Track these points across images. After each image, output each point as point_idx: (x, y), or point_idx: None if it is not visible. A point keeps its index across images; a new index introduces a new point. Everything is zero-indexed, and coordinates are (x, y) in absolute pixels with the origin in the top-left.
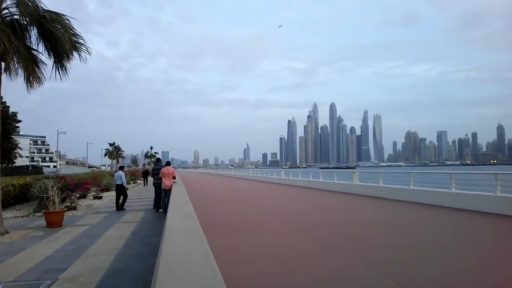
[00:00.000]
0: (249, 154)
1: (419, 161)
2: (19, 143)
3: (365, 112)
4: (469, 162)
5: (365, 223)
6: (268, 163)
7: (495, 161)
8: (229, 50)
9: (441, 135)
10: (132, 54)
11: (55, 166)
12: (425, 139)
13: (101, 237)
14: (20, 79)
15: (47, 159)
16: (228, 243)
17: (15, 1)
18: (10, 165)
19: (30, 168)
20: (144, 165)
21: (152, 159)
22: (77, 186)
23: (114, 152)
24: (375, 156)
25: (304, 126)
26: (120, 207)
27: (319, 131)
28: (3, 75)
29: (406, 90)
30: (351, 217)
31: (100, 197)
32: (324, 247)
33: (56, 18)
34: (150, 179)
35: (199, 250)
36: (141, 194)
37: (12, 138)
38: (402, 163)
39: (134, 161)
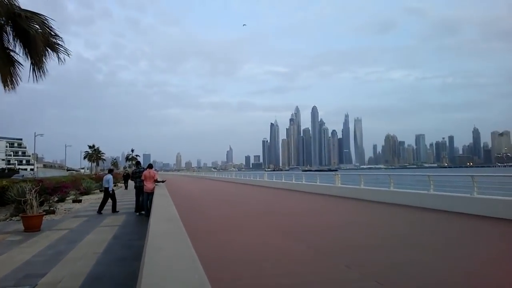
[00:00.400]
0: (232, 157)
1: (398, 163)
2: None
3: (346, 116)
4: (446, 164)
5: (347, 225)
6: (251, 166)
7: (471, 164)
8: (211, 53)
9: (419, 138)
10: (112, 55)
11: (32, 169)
12: (404, 142)
13: (81, 241)
14: None
15: (24, 162)
16: (212, 246)
17: None
18: None
19: (6, 171)
20: (125, 168)
21: (133, 162)
22: (55, 190)
23: (94, 154)
24: (356, 159)
25: (286, 129)
26: (112, 210)
27: (302, 134)
28: None
29: (386, 94)
30: (334, 219)
31: (80, 201)
32: (307, 248)
33: (31, 16)
34: (131, 182)
35: (183, 253)
36: (122, 197)
37: None
38: (382, 166)
39: (115, 164)
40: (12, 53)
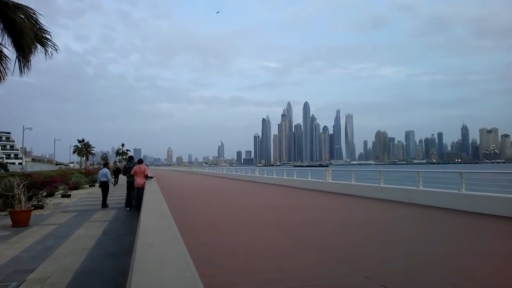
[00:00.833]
0: (224, 152)
1: (388, 159)
2: None
3: (338, 112)
4: (435, 160)
5: (337, 221)
6: (242, 161)
7: (459, 160)
8: (203, 48)
9: (409, 134)
10: (102, 48)
11: (20, 163)
12: (394, 138)
13: (71, 236)
14: None
15: (12, 156)
16: (203, 241)
17: None
18: None
19: None
20: (115, 162)
21: (124, 157)
22: (44, 184)
23: (84, 149)
24: (347, 155)
25: (278, 124)
26: (102, 205)
27: (293, 130)
28: None
29: (376, 91)
30: (325, 215)
31: (69, 196)
32: (298, 244)
33: (18, 5)
34: (122, 177)
35: (175, 249)
36: (113, 192)
37: None
38: (372, 162)
39: (105, 158)
40: None
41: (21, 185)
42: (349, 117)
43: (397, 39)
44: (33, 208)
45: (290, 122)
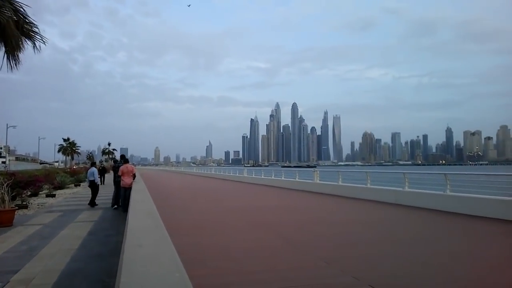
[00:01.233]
0: (212, 152)
1: (375, 160)
2: None
3: (325, 113)
4: (420, 162)
5: (325, 221)
6: (230, 161)
7: (443, 162)
8: (191, 47)
9: (395, 136)
10: (89, 46)
11: (4, 162)
12: (380, 140)
13: (56, 237)
14: None
15: None
16: (192, 242)
17: None
18: None
19: None
20: (101, 161)
21: (110, 156)
22: (28, 184)
23: (69, 148)
24: (334, 156)
25: (266, 125)
26: (90, 203)
27: (281, 130)
28: None
29: (364, 92)
30: (313, 215)
31: (54, 195)
32: (287, 245)
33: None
34: (109, 176)
35: (163, 250)
36: (99, 192)
37: None
38: (359, 163)
39: (90, 157)
40: None
41: (5, 185)
42: (336, 119)
43: (385, 42)
44: (17, 208)
45: (279, 122)
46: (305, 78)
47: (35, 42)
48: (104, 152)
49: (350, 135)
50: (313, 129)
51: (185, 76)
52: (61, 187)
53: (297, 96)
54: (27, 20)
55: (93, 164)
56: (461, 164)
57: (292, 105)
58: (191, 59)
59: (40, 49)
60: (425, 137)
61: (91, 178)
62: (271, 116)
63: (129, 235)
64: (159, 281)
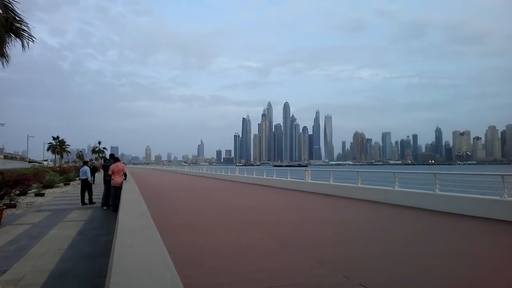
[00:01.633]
0: (203, 151)
1: (365, 160)
2: None
3: (317, 113)
4: (410, 162)
5: (317, 220)
6: (222, 160)
7: (433, 161)
8: (183, 46)
9: (385, 136)
10: (79, 44)
11: None
12: (371, 139)
13: (45, 236)
14: None
15: None
16: (183, 242)
17: None
18: None
19: None
20: (91, 160)
21: (101, 155)
22: (17, 182)
23: (58, 146)
24: (326, 155)
25: (258, 124)
26: (89, 202)
27: (273, 130)
28: None
29: (355, 93)
30: (304, 215)
31: (43, 194)
32: (278, 244)
33: None
34: (99, 175)
35: (154, 250)
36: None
37: None
38: (350, 162)
39: (80, 156)
40: None
41: None
42: (328, 118)
43: (376, 43)
44: (5, 207)
45: (270, 122)
46: (296, 78)
47: (24, 40)
48: (94, 151)
49: (341, 135)
50: (304, 128)
51: (177, 75)
52: (50, 186)
53: (289, 95)
54: (16, 17)
55: (85, 163)
56: (450, 164)
57: (284, 104)
58: (182, 58)
59: (28, 47)
60: (415, 137)
61: (83, 177)
62: (263, 115)
63: (120, 235)
64: (150, 282)
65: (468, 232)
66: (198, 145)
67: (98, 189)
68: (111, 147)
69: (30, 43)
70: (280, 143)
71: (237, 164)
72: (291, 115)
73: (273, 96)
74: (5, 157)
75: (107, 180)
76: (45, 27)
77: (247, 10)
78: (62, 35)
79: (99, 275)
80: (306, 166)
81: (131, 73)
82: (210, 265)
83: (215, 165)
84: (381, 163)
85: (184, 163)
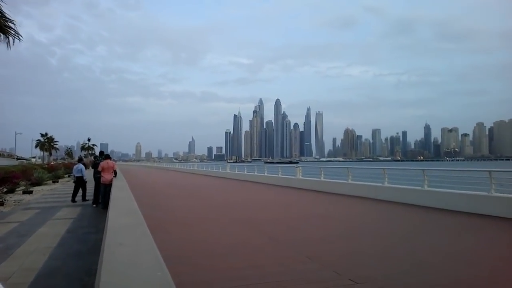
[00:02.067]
0: (194, 148)
1: (355, 156)
2: None
3: (308, 109)
4: (399, 158)
5: (307, 216)
6: (213, 157)
7: (421, 158)
8: (173, 41)
9: (375, 133)
10: (67, 39)
11: None
12: (361, 136)
13: (33, 235)
14: None
15: None
16: (174, 239)
17: None
18: None
19: None
20: (80, 157)
21: (90, 152)
22: (4, 180)
23: (46, 143)
24: (317, 152)
25: (249, 121)
26: (82, 199)
27: (264, 127)
28: None
29: (346, 90)
30: (295, 211)
31: (31, 192)
32: (269, 240)
33: None
34: (89, 172)
35: (145, 248)
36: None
37: None
38: (340, 158)
39: (69, 153)
40: None
41: None
42: (319, 115)
43: (365, 40)
44: None
45: (262, 118)
46: (287, 74)
47: (9, 38)
48: (83, 148)
49: (332, 132)
50: (296, 125)
51: (167, 71)
52: (38, 183)
53: (280, 92)
54: (2, 15)
55: (80, 160)
56: (439, 160)
57: (275, 101)
58: (173, 54)
59: (13, 44)
60: (404, 133)
61: (78, 175)
62: (254, 112)
63: (110, 233)
64: (141, 280)
65: (456, 227)
66: (189, 142)
67: (88, 187)
68: (101, 144)
69: (16, 40)
70: (271, 140)
71: (228, 161)
72: (282, 112)
73: (264, 93)
74: None
75: (96, 177)
76: (33, 22)
77: (238, 6)
78: (50, 30)
79: (88, 274)
80: (297, 162)
81: (121, 69)
82: (202, 262)
83: (206, 162)
84: (371, 159)
85: (175, 160)
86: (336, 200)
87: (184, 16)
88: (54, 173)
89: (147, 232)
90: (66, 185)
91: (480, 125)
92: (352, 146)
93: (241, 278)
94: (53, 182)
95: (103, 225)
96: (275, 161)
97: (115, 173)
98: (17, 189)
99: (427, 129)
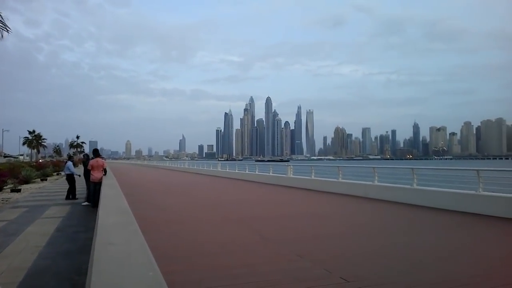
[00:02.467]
0: (185, 146)
1: (346, 155)
2: None
3: (299, 108)
4: (388, 156)
5: (298, 215)
6: (204, 155)
7: (410, 156)
8: (163, 38)
9: (365, 131)
10: (55, 35)
11: None
12: (351, 134)
13: (22, 233)
14: None
15: None
16: (165, 238)
17: None
18: None
19: None
20: (68, 155)
21: (79, 149)
22: None
23: (34, 140)
24: (307, 150)
25: (240, 119)
26: (70, 197)
27: (255, 125)
28: None
29: (336, 88)
30: (286, 209)
31: (19, 190)
32: (261, 238)
33: None
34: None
35: (136, 248)
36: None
37: None
38: (331, 157)
39: (57, 151)
40: None
41: None
42: (309, 113)
43: (355, 39)
44: None
45: (253, 117)
46: (278, 73)
47: None
48: (72, 145)
49: (323, 130)
50: (286, 123)
51: (157, 68)
52: (26, 181)
53: (270, 90)
54: None
55: (70, 158)
56: (427, 159)
57: (266, 99)
58: (163, 51)
59: (2, 37)
60: (393, 132)
61: (68, 172)
62: (245, 110)
63: (100, 232)
64: (132, 280)
65: (444, 225)
66: (180, 140)
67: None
68: (90, 142)
69: (5, 33)
70: (262, 138)
71: (219, 159)
72: (273, 110)
73: (255, 91)
74: None
75: (88, 176)
76: (20, 17)
77: (229, 4)
78: (37, 26)
79: (78, 273)
80: (288, 161)
81: (110, 66)
82: (194, 261)
83: (197, 160)
84: (361, 158)
85: (165, 158)
86: (326, 199)
87: (174, 14)
88: (42, 171)
89: (138, 231)
90: (55, 183)
91: (467, 124)
92: (342, 145)
93: (232, 277)
94: (42, 180)
95: (93, 224)
96: (266, 160)
97: (105, 171)
98: (5, 187)
99: (416, 128)
